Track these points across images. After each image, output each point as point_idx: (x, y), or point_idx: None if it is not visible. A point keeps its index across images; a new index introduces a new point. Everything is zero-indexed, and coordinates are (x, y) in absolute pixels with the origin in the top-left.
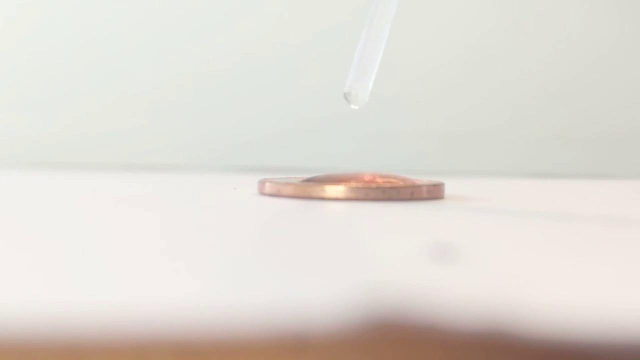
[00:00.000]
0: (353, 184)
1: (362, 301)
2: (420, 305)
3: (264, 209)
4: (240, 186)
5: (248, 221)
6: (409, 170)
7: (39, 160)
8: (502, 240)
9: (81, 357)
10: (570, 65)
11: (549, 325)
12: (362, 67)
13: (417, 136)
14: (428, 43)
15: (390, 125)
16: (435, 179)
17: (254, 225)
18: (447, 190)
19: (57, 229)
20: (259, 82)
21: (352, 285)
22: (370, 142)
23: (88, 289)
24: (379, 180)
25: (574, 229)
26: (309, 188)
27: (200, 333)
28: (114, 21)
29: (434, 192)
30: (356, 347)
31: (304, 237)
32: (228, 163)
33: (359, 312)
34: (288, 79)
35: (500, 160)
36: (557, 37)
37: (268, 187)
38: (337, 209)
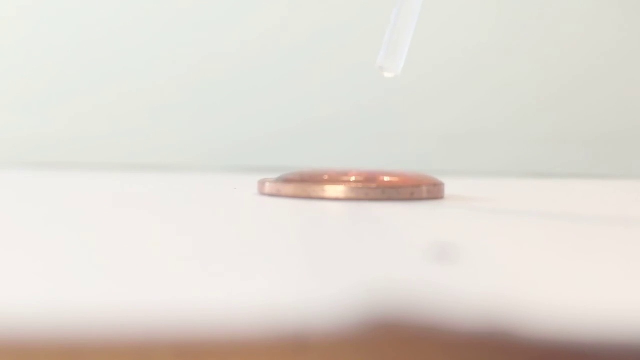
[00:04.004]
0: (353, 184)
1: (362, 301)
2: (420, 305)
3: (264, 209)
4: (240, 186)
5: (248, 221)
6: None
7: (39, 160)
8: (502, 240)
9: (81, 357)
10: (570, 66)
11: (549, 325)
12: (393, 42)
13: (417, 136)
14: (428, 43)
15: (390, 125)
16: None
17: (254, 225)
18: (447, 190)
19: (57, 228)
20: (259, 81)
21: (352, 285)
22: (370, 142)
23: (88, 289)
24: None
25: (574, 229)
26: (309, 188)
27: (200, 333)
28: (113, 21)
29: (434, 192)
30: (356, 347)
31: (303, 237)
32: (228, 163)
33: (359, 312)
34: (288, 78)
35: (500, 160)
36: (558, 38)
37: (268, 187)
38: (337, 208)
